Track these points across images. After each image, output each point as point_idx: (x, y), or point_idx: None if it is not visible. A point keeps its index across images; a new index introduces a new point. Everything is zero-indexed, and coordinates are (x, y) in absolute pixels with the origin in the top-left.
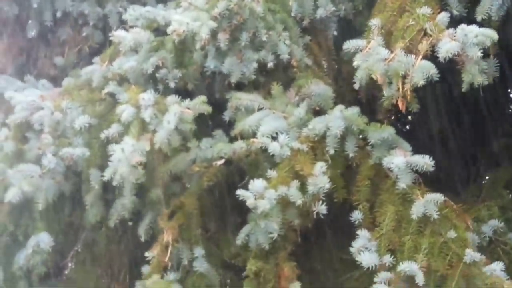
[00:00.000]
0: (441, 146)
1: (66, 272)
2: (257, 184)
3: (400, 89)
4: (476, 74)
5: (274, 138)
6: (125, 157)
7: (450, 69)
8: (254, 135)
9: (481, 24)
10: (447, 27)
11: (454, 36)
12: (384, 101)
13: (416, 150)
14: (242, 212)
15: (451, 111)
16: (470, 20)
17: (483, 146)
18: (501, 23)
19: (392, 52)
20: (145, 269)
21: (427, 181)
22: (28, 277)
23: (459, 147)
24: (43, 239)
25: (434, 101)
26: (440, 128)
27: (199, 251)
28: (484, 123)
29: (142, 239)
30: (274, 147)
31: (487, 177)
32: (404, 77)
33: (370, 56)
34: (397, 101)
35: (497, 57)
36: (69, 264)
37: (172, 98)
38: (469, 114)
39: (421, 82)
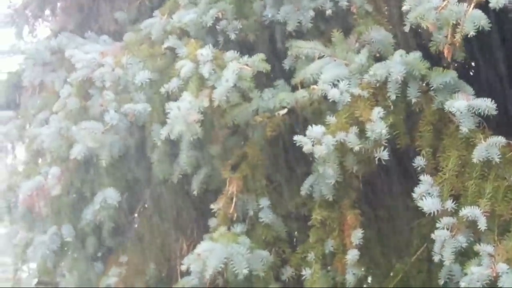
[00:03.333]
0: (508, 91)
1: (134, 227)
2: (315, 130)
3: (449, 37)
4: None
5: (335, 86)
6: (182, 115)
7: None
8: (315, 83)
9: None
10: None
11: None
12: (431, 47)
13: (481, 95)
14: (307, 161)
15: None
16: None
17: None
18: None
19: None
20: (212, 222)
21: (493, 126)
22: (96, 232)
23: None
24: (110, 195)
25: (499, 45)
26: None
27: (264, 201)
28: None
29: (195, 193)
30: (333, 93)
31: None
32: (455, 25)
33: (421, 3)
34: (443, 48)
35: None
36: (137, 220)
37: (231, 54)
38: None
39: (472, 33)
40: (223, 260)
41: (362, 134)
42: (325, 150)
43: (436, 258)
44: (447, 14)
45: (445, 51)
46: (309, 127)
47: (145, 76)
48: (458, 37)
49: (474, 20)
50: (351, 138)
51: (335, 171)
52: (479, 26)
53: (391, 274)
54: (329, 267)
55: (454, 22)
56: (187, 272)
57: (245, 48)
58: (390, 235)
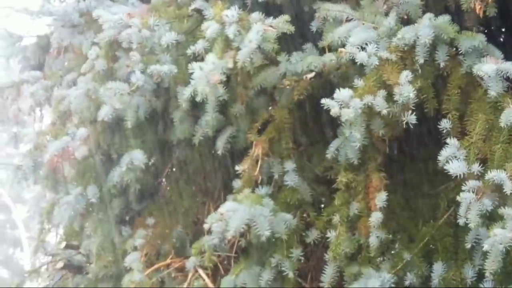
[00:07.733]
0: None
1: (161, 190)
2: (343, 93)
3: None
4: None
5: (363, 49)
6: (204, 76)
7: None
8: (343, 46)
9: None
10: None
11: None
12: (462, 4)
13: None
14: (333, 125)
15: None
16: None
17: None
18: None
19: None
20: (236, 183)
21: None
22: (123, 195)
23: None
24: (137, 156)
25: None
26: None
27: (290, 165)
28: None
29: (219, 152)
30: (361, 57)
31: None
32: None
33: None
34: (475, 4)
35: None
36: (164, 183)
37: (256, 15)
38: None
39: None
40: (245, 221)
41: (389, 97)
42: (352, 113)
43: (461, 221)
44: None
45: (477, 8)
46: (337, 90)
47: (172, 38)
48: None
49: None
50: (378, 101)
51: (362, 135)
52: None
53: (417, 237)
54: (354, 231)
55: None
56: (211, 233)
57: (272, 11)
58: (417, 199)
